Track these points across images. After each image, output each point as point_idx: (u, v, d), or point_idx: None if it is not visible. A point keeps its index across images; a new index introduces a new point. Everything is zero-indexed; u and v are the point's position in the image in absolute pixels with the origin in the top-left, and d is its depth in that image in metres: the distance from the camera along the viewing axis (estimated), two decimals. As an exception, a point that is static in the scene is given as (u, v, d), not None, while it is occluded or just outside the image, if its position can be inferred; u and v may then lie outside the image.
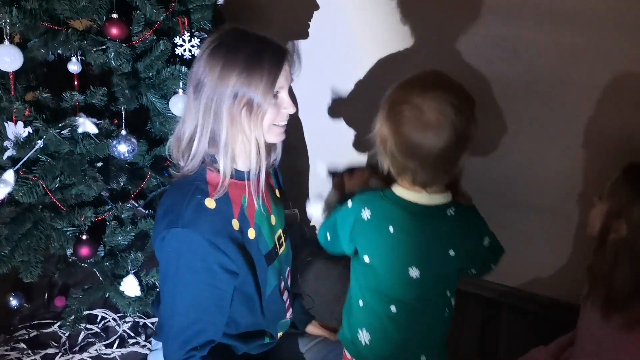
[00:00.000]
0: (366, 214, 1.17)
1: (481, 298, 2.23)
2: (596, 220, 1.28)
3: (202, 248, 1.11)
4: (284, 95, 1.18)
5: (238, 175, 1.19)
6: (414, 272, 1.14)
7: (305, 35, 2.14)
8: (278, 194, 1.41)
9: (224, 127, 1.13)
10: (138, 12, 1.61)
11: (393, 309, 1.17)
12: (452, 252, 1.13)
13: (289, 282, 1.42)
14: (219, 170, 1.16)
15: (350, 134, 2.21)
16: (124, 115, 1.59)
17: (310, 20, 2.11)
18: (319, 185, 2.39)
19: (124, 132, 1.57)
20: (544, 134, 1.93)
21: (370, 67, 2.08)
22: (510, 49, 1.84)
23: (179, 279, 1.14)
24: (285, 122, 1.22)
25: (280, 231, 1.34)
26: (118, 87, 1.59)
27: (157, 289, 1.68)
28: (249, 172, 1.20)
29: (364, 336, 1.22)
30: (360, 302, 1.22)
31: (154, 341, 1.40)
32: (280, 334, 1.42)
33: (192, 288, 1.14)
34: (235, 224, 1.18)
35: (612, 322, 1.23)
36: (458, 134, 1.04)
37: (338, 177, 1.40)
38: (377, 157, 1.14)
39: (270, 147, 1.26)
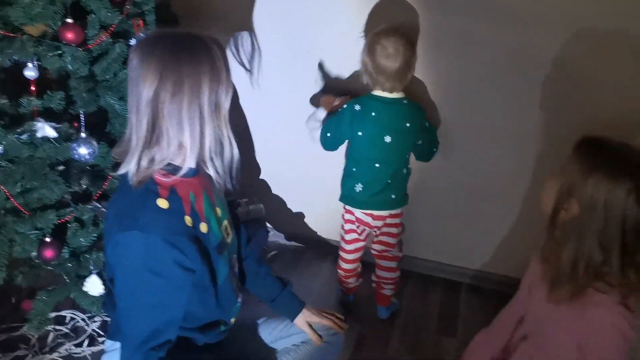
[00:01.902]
0: (357, 107, 1.90)
1: (441, 280, 2.33)
2: (548, 198, 1.25)
3: (161, 249, 1.14)
4: None
5: (187, 172, 1.21)
6: (387, 139, 1.87)
7: (253, 28, 2.19)
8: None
9: (208, 132, 1.16)
10: (93, 15, 1.64)
11: (377, 165, 1.92)
12: (407, 124, 1.88)
13: (236, 269, 1.46)
14: (166, 172, 1.18)
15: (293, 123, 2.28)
16: (82, 118, 1.62)
17: (257, 14, 2.16)
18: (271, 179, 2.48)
19: (83, 134, 1.60)
20: (498, 126, 2.05)
21: (327, 58, 2.15)
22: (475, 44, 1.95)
23: (136, 281, 1.16)
24: None
25: (225, 222, 1.38)
26: (75, 90, 1.62)
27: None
28: (195, 169, 1.23)
29: (358, 187, 1.96)
30: (354, 169, 1.97)
31: (107, 342, 1.41)
32: (233, 320, 1.47)
33: (150, 290, 1.16)
34: (188, 220, 1.20)
35: (555, 300, 1.24)
36: (406, 60, 1.80)
37: (325, 99, 2.07)
38: (362, 76, 1.89)
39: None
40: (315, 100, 2.17)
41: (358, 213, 2.00)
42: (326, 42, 2.12)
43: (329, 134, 1.98)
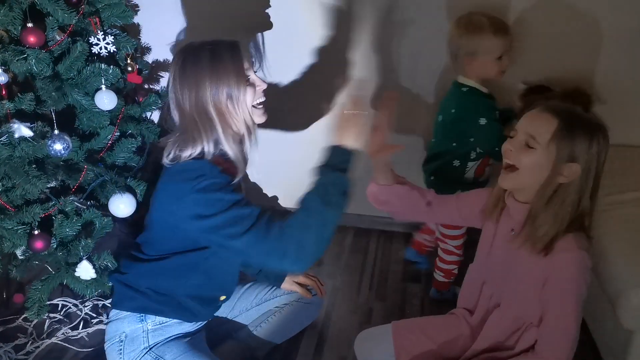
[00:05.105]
0: None
1: (402, 234, 2.52)
2: (537, 169, 1.28)
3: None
4: (253, 76, 1.44)
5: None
6: (440, 117, 1.97)
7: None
8: None
9: (216, 123, 1.38)
10: (50, 17, 1.72)
11: (433, 140, 2.02)
12: (453, 111, 1.90)
13: None
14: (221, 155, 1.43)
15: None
16: (54, 116, 1.71)
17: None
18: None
19: (56, 131, 1.70)
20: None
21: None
22: None
23: (220, 205, 1.36)
24: (263, 99, 1.47)
25: None
26: (43, 90, 1.71)
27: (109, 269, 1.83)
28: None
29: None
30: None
31: (113, 311, 1.56)
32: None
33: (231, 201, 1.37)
34: None
35: (535, 250, 1.32)
36: None
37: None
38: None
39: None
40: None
41: None
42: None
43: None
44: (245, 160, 1.47)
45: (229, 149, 1.42)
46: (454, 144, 1.89)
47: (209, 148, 1.41)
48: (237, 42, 1.42)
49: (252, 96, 1.43)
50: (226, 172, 1.42)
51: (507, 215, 1.42)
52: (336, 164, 1.38)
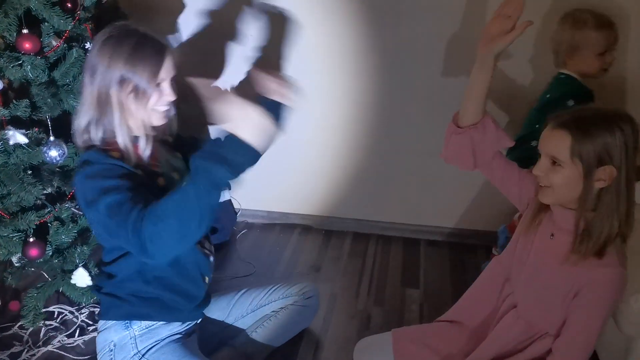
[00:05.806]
0: None
1: (401, 239, 2.52)
2: (574, 182, 1.24)
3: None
4: (165, 85, 1.40)
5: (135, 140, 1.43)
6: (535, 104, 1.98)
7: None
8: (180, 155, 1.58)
9: (115, 109, 1.36)
10: (46, 24, 1.71)
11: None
12: (547, 96, 1.92)
13: None
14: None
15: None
16: (49, 123, 1.70)
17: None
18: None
19: (52, 138, 1.69)
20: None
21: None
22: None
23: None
24: (166, 108, 1.44)
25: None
26: (39, 97, 1.70)
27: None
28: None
29: None
30: None
31: (100, 322, 1.54)
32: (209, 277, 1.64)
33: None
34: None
35: (578, 259, 1.28)
36: None
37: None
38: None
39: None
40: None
41: None
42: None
43: None
44: (135, 155, 1.41)
45: (120, 136, 1.38)
46: (537, 126, 1.84)
47: (97, 131, 1.38)
48: (167, 46, 1.39)
49: (157, 100, 1.39)
50: (119, 157, 1.38)
51: (547, 219, 1.38)
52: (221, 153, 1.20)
